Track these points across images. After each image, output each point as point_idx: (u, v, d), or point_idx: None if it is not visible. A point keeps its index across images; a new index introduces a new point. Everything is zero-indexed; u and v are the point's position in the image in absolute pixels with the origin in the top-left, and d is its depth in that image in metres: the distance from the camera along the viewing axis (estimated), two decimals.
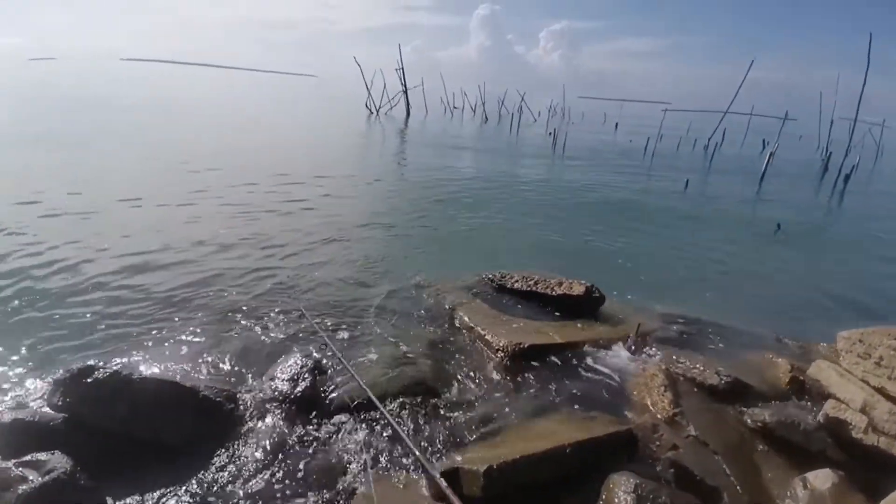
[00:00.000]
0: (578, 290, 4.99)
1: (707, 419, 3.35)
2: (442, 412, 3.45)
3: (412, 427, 3.23)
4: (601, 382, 3.98)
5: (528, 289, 5.16)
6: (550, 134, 24.17)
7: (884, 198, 16.26)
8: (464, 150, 19.32)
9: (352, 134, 22.90)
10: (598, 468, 2.83)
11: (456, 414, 3.46)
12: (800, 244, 9.33)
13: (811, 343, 4.54)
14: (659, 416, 3.50)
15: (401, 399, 3.44)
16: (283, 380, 3.42)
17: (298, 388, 3.34)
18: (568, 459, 2.83)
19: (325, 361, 3.83)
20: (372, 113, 32.41)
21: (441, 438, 3.16)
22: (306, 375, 3.49)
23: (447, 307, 5.08)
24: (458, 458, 2.85)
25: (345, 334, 4.47)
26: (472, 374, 3.99)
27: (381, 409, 3.22)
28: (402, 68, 33.00)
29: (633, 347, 4.46)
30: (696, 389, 3.63)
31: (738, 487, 2.91)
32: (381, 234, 7.60)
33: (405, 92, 34.29)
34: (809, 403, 3.67)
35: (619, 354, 4.38)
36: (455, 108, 42.68)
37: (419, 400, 3.47)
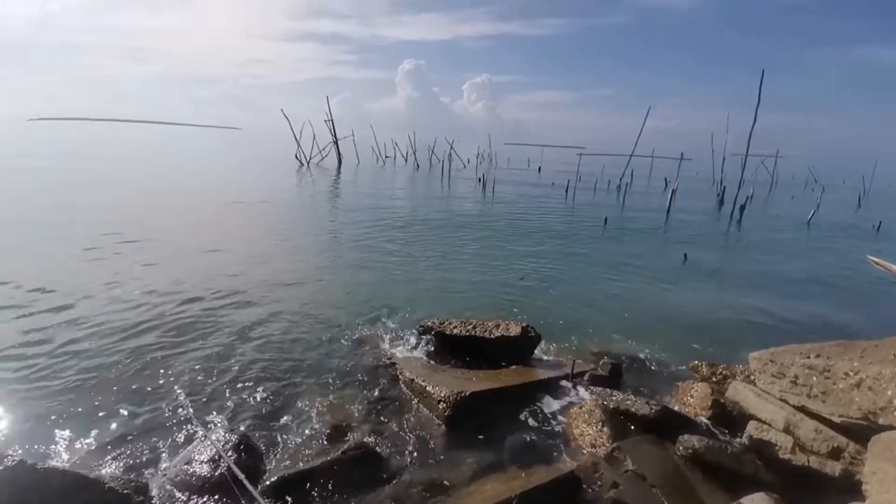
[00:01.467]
0: (515, 330, 5.07)
1: (642, 451, 3.43)
2: (385, 476, 3.26)
3: (353, 498, 3.00)
4: (542, 424, 4.01)
5: (468, 333, 5.15)
6: (480, 179, 25.21)
7: (776, 222, 18.45)
8: (396, 199, 19.53)
9: (282, 187, 22.37)
10: None
11: (400, 477, 3.29)
12: (705, 272, 10.25)
13: (728, 365, 4.86)
14: (598, 452, 3.55)
15: (340, 466, 3.20)
16: (199, 462, 3.06)
17: (217, 473, 3.00)
18: None
19: (251, 441, 3.48)
20: (302, 164, 32.05)
21: None
22: (231, 454, 3.16)
23: (386, 361, 4.94)
24: None
25: (278, 400, 4.19)
26: (414, 431, 3.85)
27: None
28: (332, 119, 33.30)
29: (569, 386, 4.56)
30: (630, 423, 3.73)
31: None
32: (312, 290, 7.31)
33: (336, 142, 34.50)
34: (733, 426, 3.87)
35: (558, 394, 4.46)
36: (387, 156, 43.47)
37: (361, 467, 3.25)
